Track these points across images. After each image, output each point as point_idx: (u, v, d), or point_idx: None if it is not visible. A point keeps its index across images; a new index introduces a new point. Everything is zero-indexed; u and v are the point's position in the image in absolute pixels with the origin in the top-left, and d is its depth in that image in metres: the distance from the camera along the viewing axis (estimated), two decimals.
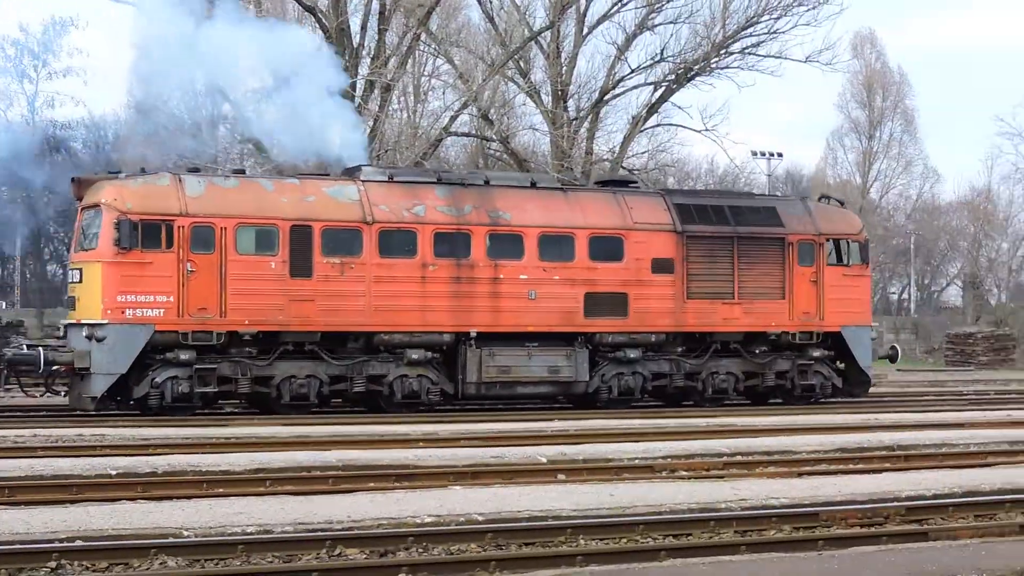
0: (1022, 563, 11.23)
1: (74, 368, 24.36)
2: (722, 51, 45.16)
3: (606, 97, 46.30)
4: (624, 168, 45.22)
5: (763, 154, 63.98)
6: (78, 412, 24.84)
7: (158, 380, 24.58)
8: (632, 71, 46.00)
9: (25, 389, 27.00)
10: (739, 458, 18.45)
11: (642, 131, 47.59)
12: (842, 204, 31.72)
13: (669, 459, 18.14)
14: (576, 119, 45.33)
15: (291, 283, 25.35)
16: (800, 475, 17.00)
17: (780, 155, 65.42)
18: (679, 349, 28.49)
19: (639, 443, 19.83)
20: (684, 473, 17.27)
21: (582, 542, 12.22)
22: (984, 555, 11.77)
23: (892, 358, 31.46)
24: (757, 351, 28.95)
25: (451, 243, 26.57)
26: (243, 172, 28.06)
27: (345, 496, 14.43)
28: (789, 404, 28.98)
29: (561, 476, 16.61)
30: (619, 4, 45.21)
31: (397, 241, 26.22)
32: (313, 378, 25.60)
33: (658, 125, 48.42)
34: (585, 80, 47.38)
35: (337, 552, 11.53)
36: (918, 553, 11.93)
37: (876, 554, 11.88)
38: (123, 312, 24.34)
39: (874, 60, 79.35)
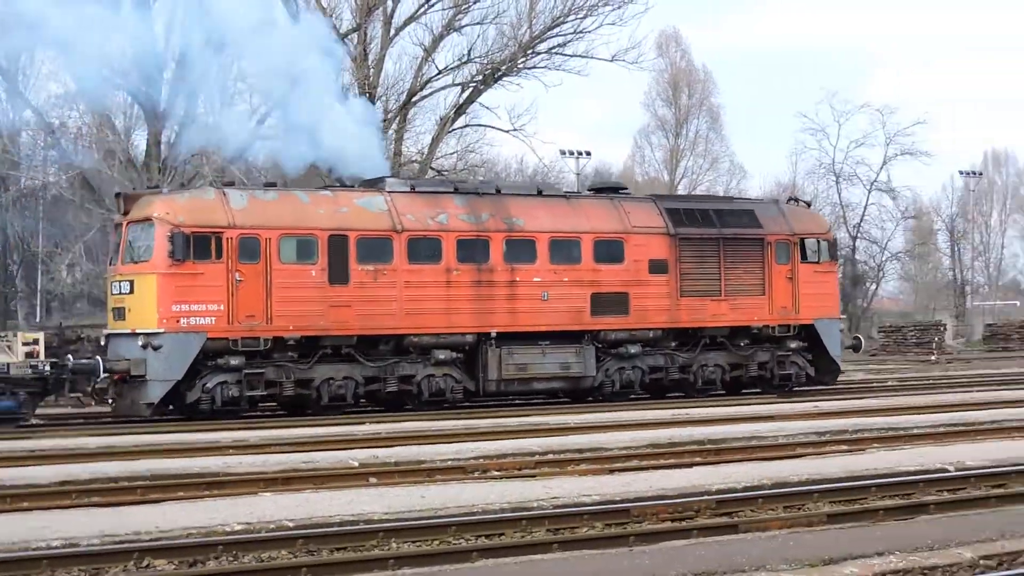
0: (830, 552, 11.47)
1: (129, 375, 25.40)
2: (529, 51, 45.28)
3: (414, 99, 45.87)
4: (433, 169, 45.56)
5: (571, 153, 63.81)
6: (122, 419, 25.92)
7: (209, 385, 25.80)
8: (439, 72, 45.91)
9: (84, 398, 27.70)
10: (551, 456, 18.46)
11: (450, 132, 47.29)
12: (809, 205, 34.26)
13: (481, 459, 18.17)
14: (384, 121, 43.70)
15: (330, 290, 26.74)
16: (612, 472, 17.04)
17: (588, 154, 65.30)
18: (672, 344, 30.60)
19: (451, 444, 20.02)
20: (496, 473, 17.26)
21: (394, 545, 12.19)
22: (792, 545, 11.99)
23: (856, 347, 34.09)
24: (741, 344, 31.25)
25: (472, 249, 28.22)
26: (274, 185, 29.19)
27: (154, 506, 14.31)
28: (767, 393, 31.30)
29: (373, 479, 16.59)
30: (426, 5, 45.13)
31: (424, 248, 27.77)
32: (350, 380, 27.06)
33: (467, 126, 48.16)
34: (393, 82, 46.82)
35: (145, 564, 11.34)
36: (728, 546, 12.04)
37: (686, 548, 11.97)
38: (178, 321, 25.49)
39: (679, 59, 79.73)
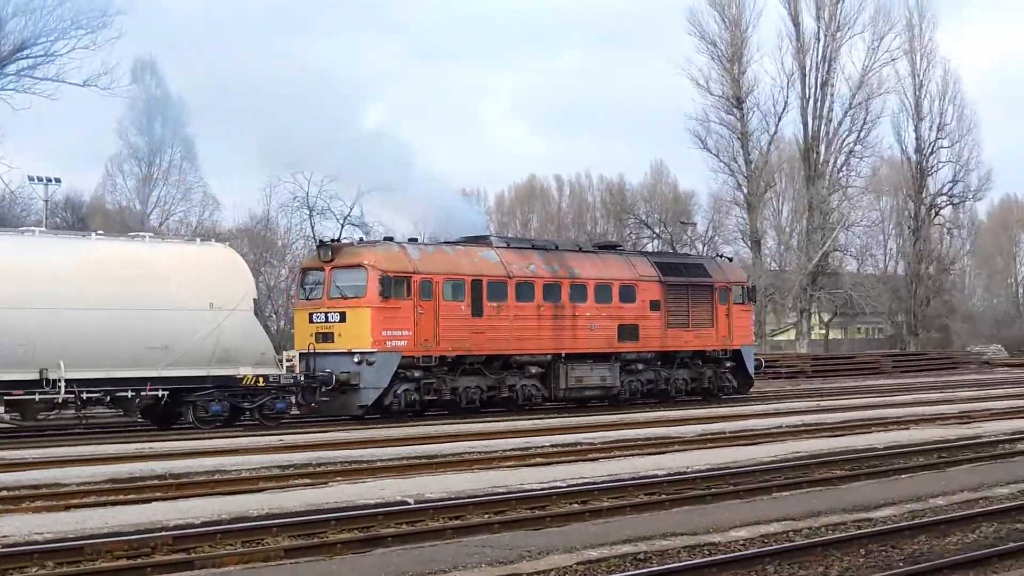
0: None
1: (347, 384, 33.41)
2: None
3: None
4: None
5: (40, 179, 61.30)
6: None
7: (399, 391, 34.22)
8: None
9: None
10: (4, 492, 17.80)
11: None
12: (731, 260, 45.76)
13: None
14: None
15: (472, 321, 35.70)
16: (68, 508, 16.50)
17: (59, 180, 62.99)
18: (658, 363, 41.23)
19: None
20: None
21: None
22: None
23: (757, 367, 45.77)
24: (700, 363, 42.30)
25: (551, 291, 37.82)
26: (416, 240, 37.64)
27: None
28: (706, 401, 42.42)
29: None
30: None
31: (524, 290, 37.14)
32: (479, 388, 36.07)
33: None
34: None
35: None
36: None
37: None
38: (385, 343, 33.82)
39: (155, 87, 74.35)
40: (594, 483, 18.70)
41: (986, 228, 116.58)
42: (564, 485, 18.51)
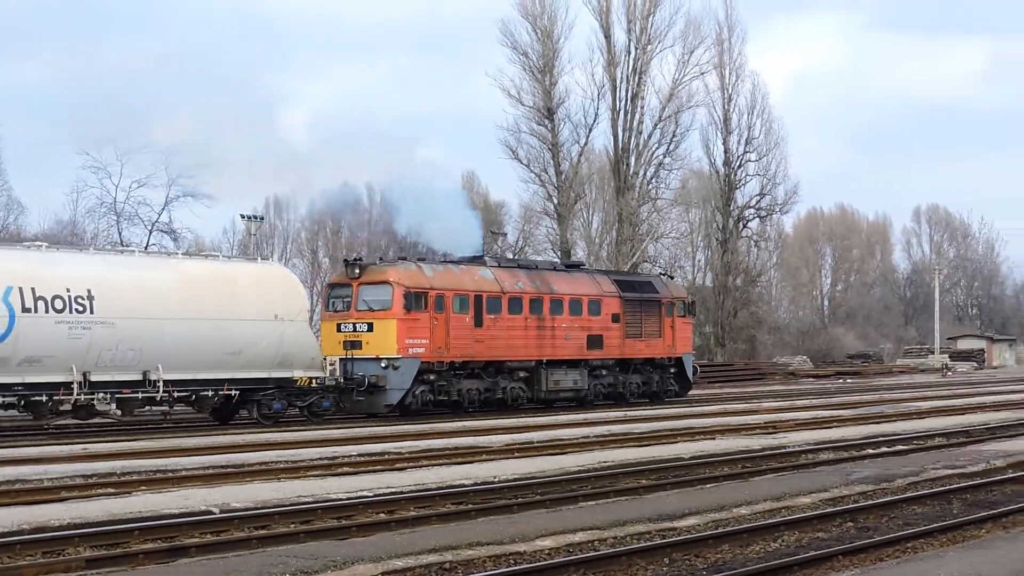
0: None
1: (375, 386, 38.29)
2: None
3: None
4: None
5: None
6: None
7: (416, 392, 39.24)
8: None
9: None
10: None
11: None
12: (672, 278, 51.65)
13: None
14: None
15: (475, 331, 40.88)
16: None
17: None
18: (617, 369, 46.88)
19: None
20: None
21: None
22: None
23: (694, 373, 51.66)
24: (650, 369, 48.08)
25: (535, 305, 43.18)
26: (423, 260, 42.62)
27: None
28: (654, 403, 48.21)
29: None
30: None
31: (514, 304, 42.44)
32: (478, 390, 41.27)
33: None
34: None
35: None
36: None
37: None
38: (408, 350, 38.81)
39: None
40: (401, 493, 18.65)
41: (792, 241, 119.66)
42: (371, 495, 18.46)
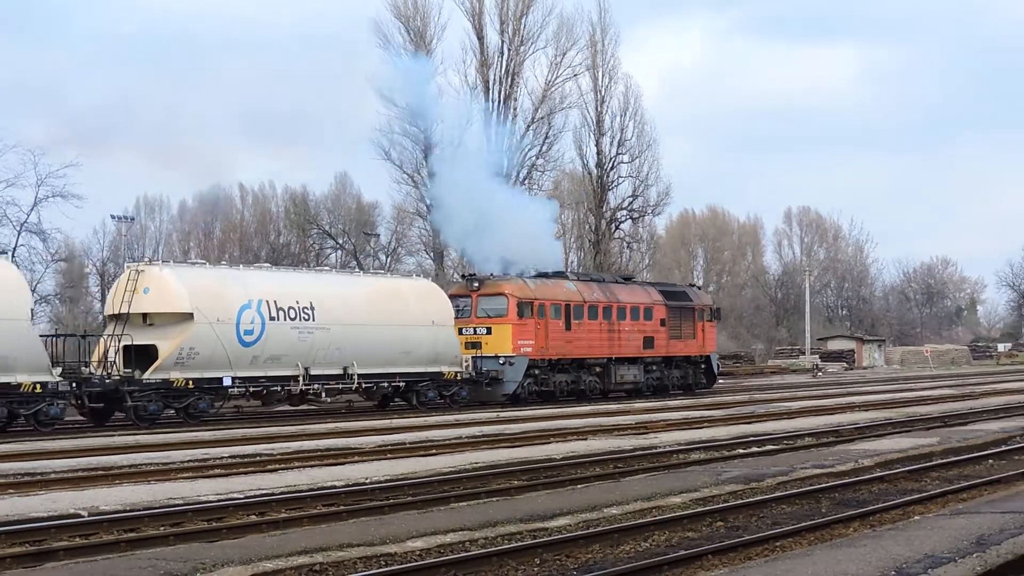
0: None
1: (494, 379, 46.57)
2: None
3: None
4: None
5: None
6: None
7: (525, 384, 47.62)
8: None
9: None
10: None
11: None
12: (700, 288, 60.62)
13: None
14: None
15: (566, 334, 49.36)
16: None
17: None
18: (663, 365, 55.61)
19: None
20: None
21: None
22: None
23: (717, 368, 60.46)
24: (686, 365, 56.93)
25: (607, 312, 51.77)
26: (521, 274, 50.94)
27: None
28: (689, 394, 56.99)
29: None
30: None
31: (592, 311, 50.98)
32: (566, 382, 49.76)
33: None
34: None
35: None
36: None
37: None
38: (520, 349, 47.19)
39: None
40: (272, 495, 18.43)
41: (665, 243, 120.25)
42: (242, 497, 18.25)
